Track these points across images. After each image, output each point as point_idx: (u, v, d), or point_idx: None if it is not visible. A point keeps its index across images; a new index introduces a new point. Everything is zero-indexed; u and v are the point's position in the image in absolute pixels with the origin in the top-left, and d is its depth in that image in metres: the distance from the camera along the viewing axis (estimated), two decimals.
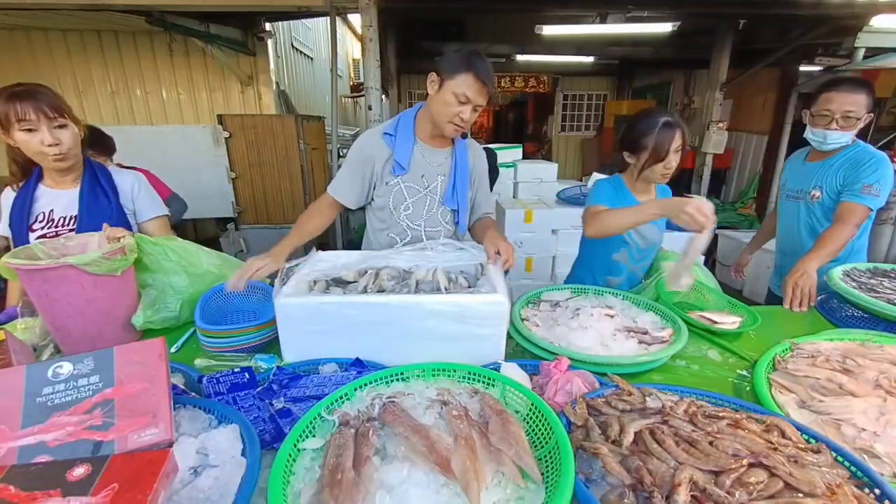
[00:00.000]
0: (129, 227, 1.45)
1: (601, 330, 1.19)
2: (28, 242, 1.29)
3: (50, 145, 1.27)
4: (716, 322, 1.29)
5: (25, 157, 1.33)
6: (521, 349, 1.16)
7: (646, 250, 1.71)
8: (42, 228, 1.39)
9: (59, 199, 1.40)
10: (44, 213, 1.39)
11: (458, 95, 1.27)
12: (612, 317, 1.26)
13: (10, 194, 1.41)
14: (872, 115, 1.61)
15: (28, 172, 1.39)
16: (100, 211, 1.41)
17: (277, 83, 5.03)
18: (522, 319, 1.25)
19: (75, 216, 1.40)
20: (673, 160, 1.46)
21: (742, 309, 1.41)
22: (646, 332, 1.20)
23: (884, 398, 0.92)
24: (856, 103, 1.55)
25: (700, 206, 1.15)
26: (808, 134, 1.68)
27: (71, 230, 1.39)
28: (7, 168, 1.39)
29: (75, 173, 1.41)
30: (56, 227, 1.40)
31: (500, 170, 4.12)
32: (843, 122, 1.58)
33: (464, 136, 1.53)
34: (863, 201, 1.55)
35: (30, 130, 1.25)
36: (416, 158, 1.46)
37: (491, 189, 3.70)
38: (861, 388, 0.95)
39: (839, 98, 1.57)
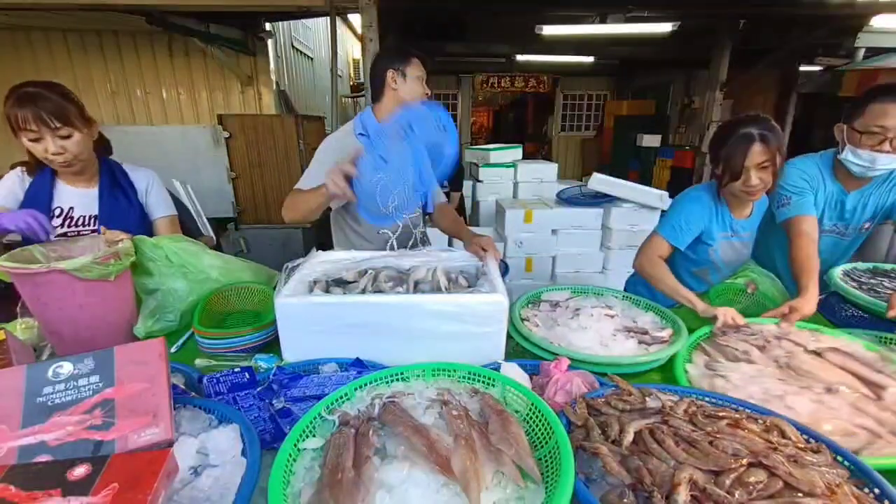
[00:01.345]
0: (149, 225, 1.49)
1: (601, 330, 1.19)
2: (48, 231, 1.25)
3: (55, 154, 1.26)
4: None
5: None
6: (521, 349, 1.16)
7: (730, 266, 1.58)
8: (63, 227, 1.38)
9: (78, 197, 1.39)
10: (62, 208, 1.38)
11: (419, 77, 1.53)
12: (612, 317, 1.27)
13: (24, 178, 1.37)
14: None
15: (42, 165, 1.36)
16: (120, 210, 1.41)
17: (277, 83, 5.03)
18: (522, 319, 1.25)
19: (96, 216, 1.39)
20: (753, 177, 1.27)
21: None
22: (646, 332, 1.20)
23: (777, 374, 1.03)
24: None
25: (727, 319, 1.16)
26: (849, 156, 1.35)
27: (94, 231, 1.38)
28: (8, 160, 1.38)
29: (88, 173, 1.40)
30: (77, 226, 1.39)
31: (500, 170, 4.14)
32: None
33: None
34: None
35: (35, 140, 1.24)
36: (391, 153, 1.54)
37: (461, 187, 3.91)
38: (762, 361, 1.07)
39: None
